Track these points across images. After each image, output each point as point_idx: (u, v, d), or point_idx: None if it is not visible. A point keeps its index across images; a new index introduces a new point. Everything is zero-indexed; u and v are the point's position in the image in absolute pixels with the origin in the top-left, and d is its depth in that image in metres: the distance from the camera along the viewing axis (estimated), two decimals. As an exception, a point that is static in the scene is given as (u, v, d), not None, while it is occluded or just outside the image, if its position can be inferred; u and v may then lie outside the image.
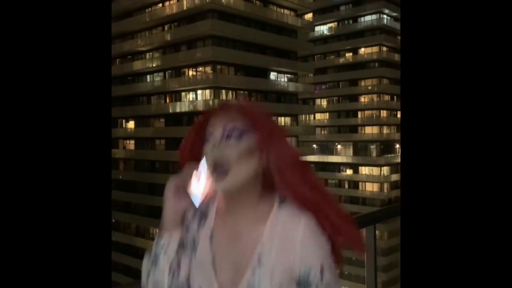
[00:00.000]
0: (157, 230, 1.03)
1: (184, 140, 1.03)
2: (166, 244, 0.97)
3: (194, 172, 0.97)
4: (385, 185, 40.40)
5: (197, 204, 0.98)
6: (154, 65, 33.88)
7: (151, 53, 34.68)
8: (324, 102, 46.24)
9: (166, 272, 0.97)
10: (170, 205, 0.97)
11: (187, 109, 31.70)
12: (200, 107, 30.66)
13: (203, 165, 0.95)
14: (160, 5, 33.37)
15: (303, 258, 0.90)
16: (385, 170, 40.64)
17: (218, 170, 0.91)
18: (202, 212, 1.01)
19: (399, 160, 41.97)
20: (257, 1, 32.72)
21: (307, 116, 43.78)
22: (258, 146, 0.93)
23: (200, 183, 0.97)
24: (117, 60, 37.09)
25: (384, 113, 42.70)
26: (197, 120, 1.00)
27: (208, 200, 1.02)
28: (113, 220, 34.54)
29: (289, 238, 0.90)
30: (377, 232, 1.95)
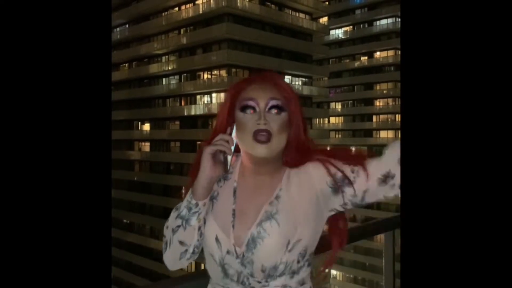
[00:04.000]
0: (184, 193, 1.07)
1: (221, 109, 1.09)
2: (199, 212, 1.01)
3: (230, 139, 1.01)
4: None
5: (228, 169, 1.04)
6: (170, 68, 34.16)
7: (167, 56, 34.97)
8: (338, 106, 45.97)
9: (195, 233, 1.02)
10: (207, 173, 1.00)
11: (202, 112, 31.86)
12: (214, 110, 30.74)
13: (233, 135, 1.03)
14: (176, 9, 33.68)
15: (320, 175, 1.02)
16: (400, 175, 40.12)
17: (263, 135, 0.99)
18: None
19: (414, 165, 41.32)
20: (272, 5, 32.76)
21: (322, 119, 43.58)
22: (289, 123, 1.04)
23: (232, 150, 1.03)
24: (134, 63, 37.52)
25: (399, 117, 42.18)
26: (232, 89, 1.08)
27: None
28: (128, 221, 34.87)
29: (303, 176, 1.04)
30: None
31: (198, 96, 32.71)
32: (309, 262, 1.03)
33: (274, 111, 1.01)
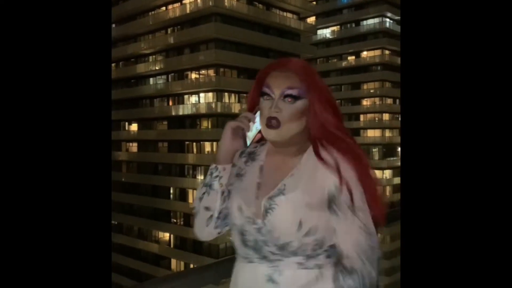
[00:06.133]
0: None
1: (251, 91, 1.18)
2: (220, 176, 1.14)
3: (252, 117, 1.13)
4: (388, 188, 40.23)
5: (248, 145, 1.16)
6: (157, 68, 33.92)
7: (154, 56, 34.71)
8: (326, 105, 46.09)
9: (218, 197, 1.13)
10: (226, 144, 1.15)
11: (189, 112, 31.72)
12: (202, 109, 30.65)
13: (258, 115, 1.12)
14: (163, 8, 33.45)
15: (334, 178, 1.04)
16: (388, 173, 40.49)
17: (273, 122, 1.06)
18: (250, 152, 1.17)
19: (401, 163, 41.70)
20: (260, 5, 32.75)
21: (310, 119, 43.61)
22: (308, 111, 1.08)
23: (253, 129, 1.14)
24: (121, 63, 37.16)
25: (386, 117, 42.57)
26: (259, 74, 1.15)
27: (257, 144, 1.19)
28: (116, 223, 34.52)
29: (318, 165, 1.06)
30: (379, 235, 1.94)
31: (186, 96, 32.53)
32: (329, 254, 1.06)
33: (288, 99, 1.07)
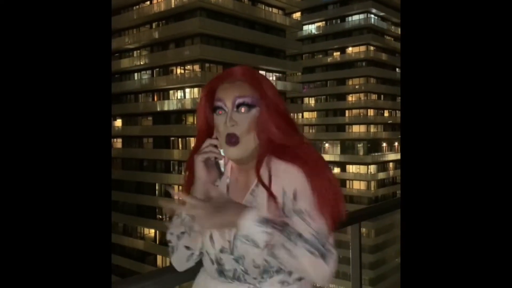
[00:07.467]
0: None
1: (198, 110, 1.09)
2: None
3: (218, 143, 1.03)
4: (372, 183, 40.66)
5: (223, 171, 1.07)
6: (141, 63, 33.56)
7: (138, 51, 34.33)
8: (312, 101, 46.34)
9: (200, 237, 1.04)
10: (202, 180, 1.03)
11: (175, 107, 31.49)
12: (188, 105, 30.46)
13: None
14: (148, 2, 33.05)
15: (283, 183, 0.97)
16: (372, 168, 40.91)
17: (232, 139, 0.99)
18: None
19: (386, 158, 42.25)
20: (245, 0, 32.64)
21: (295, 114, 43.77)
22: (261, 117, 1.01)
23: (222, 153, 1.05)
24: (104, 57, 36.63)
25: (371, 112, 42.95)
26: (205, 88, 1.07)
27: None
28: (100, 219, 34.16)
29: (275, 171, 1.00)
30: (364, 230, 1.98)
31: (171, 92, 32.28)
32: None
33: (242, 109, 0.99)
